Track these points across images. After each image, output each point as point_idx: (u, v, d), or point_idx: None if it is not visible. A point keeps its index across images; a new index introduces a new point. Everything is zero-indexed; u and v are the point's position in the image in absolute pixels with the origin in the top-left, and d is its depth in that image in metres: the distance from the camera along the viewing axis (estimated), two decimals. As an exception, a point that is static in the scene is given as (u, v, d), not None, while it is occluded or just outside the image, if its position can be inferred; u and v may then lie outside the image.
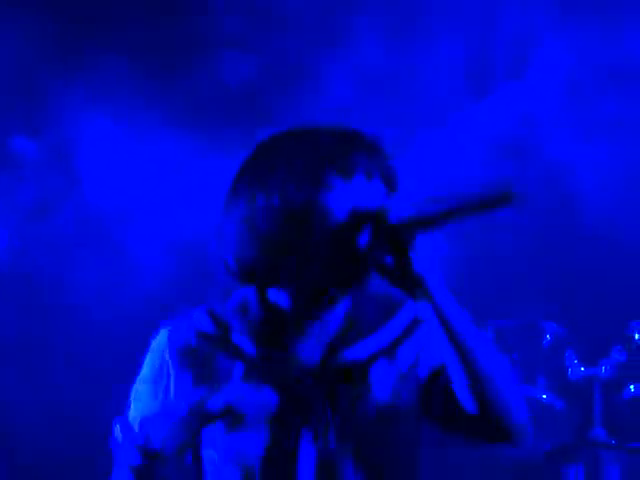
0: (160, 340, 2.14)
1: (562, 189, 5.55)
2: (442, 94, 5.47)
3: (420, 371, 2.08)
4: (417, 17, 5.44)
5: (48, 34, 5.48)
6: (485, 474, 5.19)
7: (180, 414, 1.93)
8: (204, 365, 2.08)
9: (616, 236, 5.40)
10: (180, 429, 1.90)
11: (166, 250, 5.65)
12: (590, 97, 5.42)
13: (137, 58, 5.60)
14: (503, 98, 5.53)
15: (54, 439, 5.44)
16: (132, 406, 2.12)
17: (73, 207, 5.70)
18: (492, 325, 5.20)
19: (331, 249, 1.95)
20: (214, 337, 2.10)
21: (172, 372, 2.10)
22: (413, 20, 5.44)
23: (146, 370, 2.13)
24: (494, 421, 1.98)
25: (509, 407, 1.98)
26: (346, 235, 1.95)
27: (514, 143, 5.60)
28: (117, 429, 1.94)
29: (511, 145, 5.60)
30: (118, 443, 1.93)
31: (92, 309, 5.55)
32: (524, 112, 5.56)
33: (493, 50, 5.52)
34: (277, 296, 2.05)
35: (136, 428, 1.96)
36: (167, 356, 2.12)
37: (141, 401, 2.11)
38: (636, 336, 5.07)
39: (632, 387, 5.01)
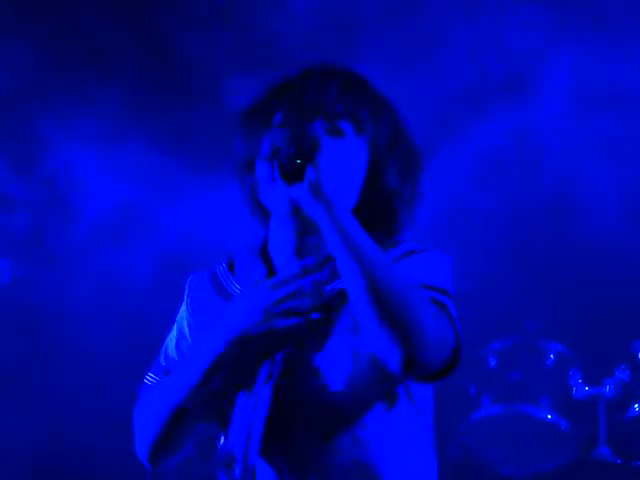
0: (186, 284, 2.35)
1: (566, 206, 5.53)
2: (445, 112, 5.49)
3: None
4: (419, 43, 5.46)
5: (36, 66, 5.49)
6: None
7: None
8: (207, 306, 2.25)
9: (621, 255, 5.39)
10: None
11: (160, 273, 5.65)
12: (592, 114, 5.44)
13: (131, 85, 5.62)
14: (504, 116, 5.54)
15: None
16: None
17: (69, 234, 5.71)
18: (497, 344, 5.22)
19: None
20: (221, 281, 2.27)
21: (187, 314, 2.30)
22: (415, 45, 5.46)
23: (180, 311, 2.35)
24: (387, 338, 1.92)
25: (402, 325, 1.92)
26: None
27: (515, 160, 5.61)
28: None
29: (512, 162, 5.61)
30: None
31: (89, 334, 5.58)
32: (525, 129, 5.57)
33: (495, 69, 5.53)
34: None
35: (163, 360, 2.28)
36: (187, 298, 2.32)
37: (169, 339, 2.32)
38: None
39: (637, 406, 4.99)
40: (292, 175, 2.04)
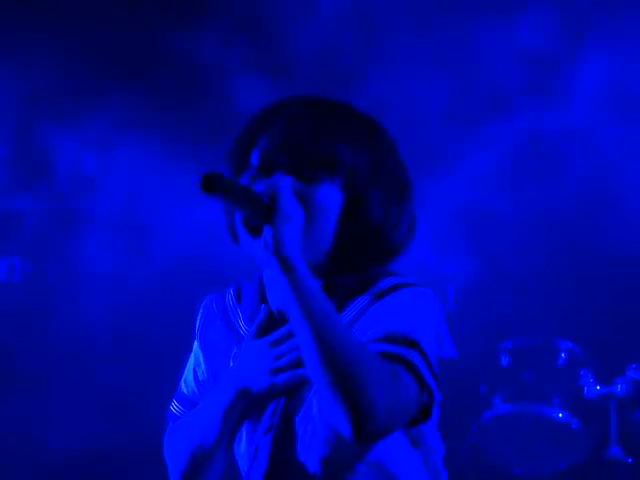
0: (199, 308, 2.37)
1: (584, 208, 5.54)
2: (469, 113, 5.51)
3: None
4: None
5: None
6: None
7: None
8: (215, 338, 2.29)
9: (633, 255, 5.38)
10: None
11: (166, 284, 5.67)
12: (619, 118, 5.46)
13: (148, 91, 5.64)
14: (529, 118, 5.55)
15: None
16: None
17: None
18: (509, 343, 5.22)
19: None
20: (229, 311, 2.29)
21: (198, 342, 2.34)
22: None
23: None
24: (336, 405, 1.90)
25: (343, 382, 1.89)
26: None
27: (542, 163, 5.62)
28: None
29: (539, 165, 5.62)
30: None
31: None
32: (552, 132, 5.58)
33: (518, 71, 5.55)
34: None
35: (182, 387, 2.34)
36: (198, 322, 2.35)
37: (188, 367, 2.37)
38: None
39: None
40: (255, 230, 2.03)
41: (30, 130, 5.69)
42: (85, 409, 5.50)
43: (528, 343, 5.19)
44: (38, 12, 5.52)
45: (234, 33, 5.69)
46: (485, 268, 5.47)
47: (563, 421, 5.02)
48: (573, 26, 5.49)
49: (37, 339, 5.63)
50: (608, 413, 5.03)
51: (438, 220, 5.29)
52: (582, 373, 5.12)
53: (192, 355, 2.35)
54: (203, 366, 2.31)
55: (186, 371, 2.36)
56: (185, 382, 2.35)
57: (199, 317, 2.35)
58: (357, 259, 2.14)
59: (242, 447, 2.17)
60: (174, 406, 2.34)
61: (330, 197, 2.10)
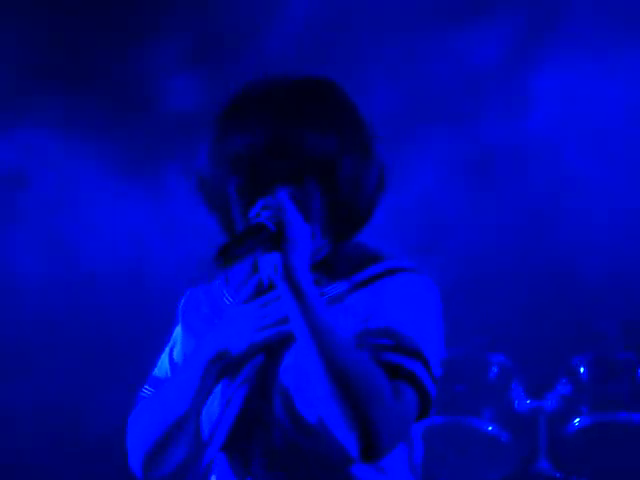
0: (182, 298, 2.37)
1: (511, 221, 5.60)
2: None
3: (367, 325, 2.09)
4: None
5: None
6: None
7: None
8: (199, 319, 2.28)
9: (566, 272, 5.46)
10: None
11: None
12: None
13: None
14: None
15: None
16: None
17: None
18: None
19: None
20: (216, 293, 2.30)
21: (180, 328, 2.33)
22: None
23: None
24: (344, 427, 1.96)
25: (349, 410, 1.95)
26: None
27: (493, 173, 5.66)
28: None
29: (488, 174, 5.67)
30: None
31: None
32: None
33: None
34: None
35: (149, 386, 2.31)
36: (181, 307, 2.34)
37: (165, 353, 2.35)
38: (581, 369, 5.11)
39: (576, 420, 5.03)
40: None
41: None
42: (20, 411, 5.48)
43: (460, 355, 5.21)
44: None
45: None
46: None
47: (492, 434, 5.04)
48: (526, 40, 5.58)
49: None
50: (537, 427, 5.07)
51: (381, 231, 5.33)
52: (513, 387, 5.15)
53: (171, 341, 2.35)
54: (179, 346, 2.31)
55: (162, 357, 2.35)
56: (159, 366, 2.34)
57: (182, 303, 2.35)
58: (338, 230, 2.16)
59: (214, 403, 2.15)
60: (145, 390, 2.31)
61: (316, 191, 2.12)
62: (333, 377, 1.94)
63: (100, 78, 5.67)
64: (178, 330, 2.33)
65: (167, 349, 2.35)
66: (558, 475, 4.99)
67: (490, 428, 5.04)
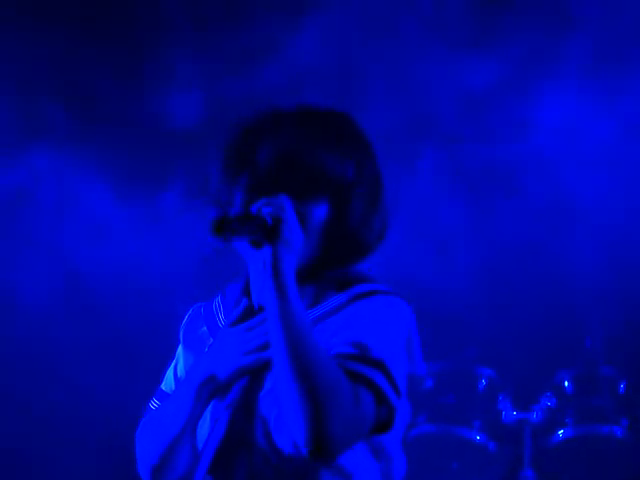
0: (185, 315, 2.42)
1: (501, 237, 5.66)
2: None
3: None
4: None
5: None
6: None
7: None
8: (196, 338, 2.34)
9: (549, 291, 5.56)
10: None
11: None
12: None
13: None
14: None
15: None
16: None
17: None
18: (433, 367, 5.32)
19: None
20: (214, 313, 2.34)
21: (181, 344, 2.38)
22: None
23: None
24: (299, 418, 1.99)
25: (305, 409, 1.97)
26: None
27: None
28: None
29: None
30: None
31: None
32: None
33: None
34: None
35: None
36: (183, 326, 2.40)
37: (170, 367, 2.40)
38: (565, 383, 5.24)
39: (560, 432, 5.14)
40: (255, 242, 2.09)
41: None
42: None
43: (450, 368, 5.30)
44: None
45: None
46: (412, 294, 5.55)
47: (480, 443, 5.14)
48: (525, 64, 5.64)
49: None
50: (523, 438, 5.17)
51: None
52: (500, 399, 5.25)
53: (175, 356, 2.40)
54: (181, 363, 2.36)
55: (168, 371, 2.41)
56: (165, 380, 2.40)
57: (184, 320, 2.40)
58: (337, 257, 2.20)
59: (205, 424, 2.21)
60: (152, 402, 2.38)
61: (321, 211, 2.16)
62: (298, 369, 1.97)
63: (102, 99, 5.70)
64: (180, 348, 2.39)
65: (172, 364, 2.40)
66: (542, 484, 5.09)
67: (478, 438, 5.15)
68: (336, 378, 2.00)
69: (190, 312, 2.41)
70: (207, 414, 2.20)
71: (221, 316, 2.31)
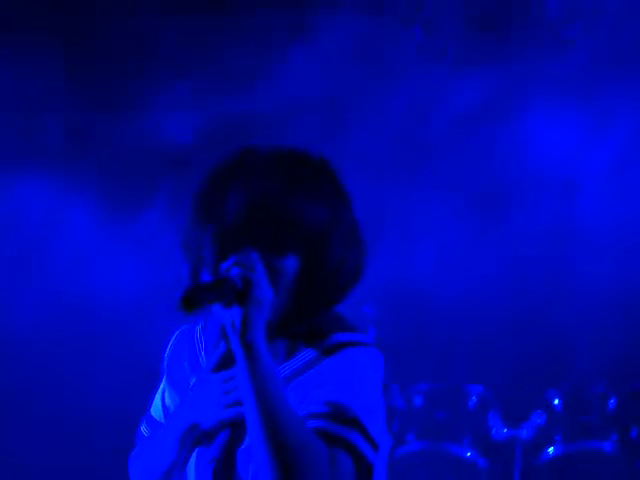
0: (171, 339, 2.40)
1: (494, 263, 5.71)
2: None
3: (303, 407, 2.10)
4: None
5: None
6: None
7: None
8: (178, 369, 2.33)
9: (541, 314, 5.60)
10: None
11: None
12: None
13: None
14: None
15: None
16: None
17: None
18: (423, 385, 5.36)
19: None
20: (194, 342, 2.33)
21: (165, 372, 2.38)
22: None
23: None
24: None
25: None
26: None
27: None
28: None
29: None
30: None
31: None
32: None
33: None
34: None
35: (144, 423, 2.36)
36: (167, 354, 2.38)
37: (158, 393, 2.40)
38: (555, 401, 5.27)
39: (550, 449, 5.18)
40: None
41: None
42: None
43: (441, 386, 5.34)
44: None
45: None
46: (399, 318, 5.59)
47: (471, 460, 5.18)
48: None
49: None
50: (513, 454, 5.21)
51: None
52: (490, 416, 5.29)
53: (162, 383, 2.38)
54: (167, 394, 2.35)
55: (156, 396, 2.39)
56: (154, 407, 2.39)
57: (168, 349, 2.37)
58: (310, 307, 2.16)
59: (192, 473, 2.22)
60: (143, 428, 2.39)
61: (293, 262, 2.10)
62: (267, 431, 1.97)
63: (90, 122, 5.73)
64: (164, 380, 2.38)
65: (160, 390, 2.38)
66: (532, 500, 5.12)
67: (469, 454, 5.19)
68: (306, 441, 1.99)
69: (173, 340, 2.38)
70: (193, 463, 2.22)
71: (202, 353, 2.28)
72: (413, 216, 5.72)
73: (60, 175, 5.74)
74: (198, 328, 2.33)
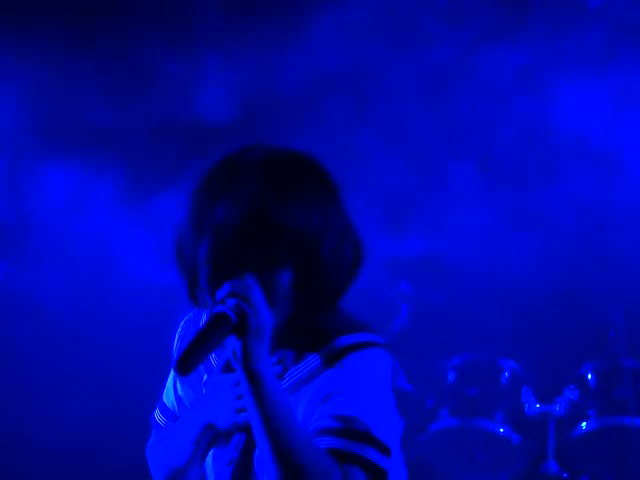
0: (180, 323, 2.41)
1: (532, 241, 5.69)
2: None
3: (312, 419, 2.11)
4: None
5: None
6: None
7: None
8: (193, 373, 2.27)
9: (572, 282, 5.58)
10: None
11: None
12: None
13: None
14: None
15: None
16: None
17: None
18: (456, 360, 5.36)
19: None
20: None
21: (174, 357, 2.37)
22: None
23: None
24: None
25: None
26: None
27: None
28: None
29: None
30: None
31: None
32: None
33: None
34: None
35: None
36: (176, 341, 2.40)
37: (169, 379, 2.43)
38: (589, 376, 5.26)
39: (584, 424, 5.16)
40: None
41: None
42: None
43: (473, 361, 5.32)
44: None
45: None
46: (437, 289, 5.59)
47: (504, 436, 5.16)
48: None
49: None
50: (546, 430, 5.18)
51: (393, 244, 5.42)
52: (523, 391, 5.26)
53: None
54: (179, 384, 2.37)
55: (168, 382, 2.42)
56: (166, 394, 2.42)
57: (177, 336, 2.39)
58: (311, 309, 2.16)
59: (211, 474, 2.26)
60: (157, 416, 2.42)
61: (288, 272, 2.09)
62: (276, 453, 2.00)
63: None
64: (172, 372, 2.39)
65: (170, 378, 2.41)
66: (566, 475, 5.13)
67: (502, 430, 5.17)
68: (316, 461, 2.01)
69: (181, 327, 2.39)
70: (210, 465, 2.25)
71: (213, 355, 2.27)
72: (447, 189, 5.69)
73: (88, 156, 5.74)
74: (204, 316, 2.32)
